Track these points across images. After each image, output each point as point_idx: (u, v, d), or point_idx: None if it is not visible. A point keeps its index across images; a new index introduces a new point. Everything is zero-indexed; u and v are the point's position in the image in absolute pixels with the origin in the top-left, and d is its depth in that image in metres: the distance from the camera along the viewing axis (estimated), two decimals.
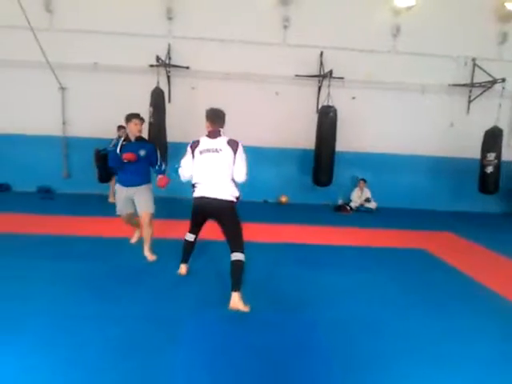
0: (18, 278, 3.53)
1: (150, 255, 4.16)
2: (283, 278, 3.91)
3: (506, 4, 7.30)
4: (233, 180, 3.23)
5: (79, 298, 3.20)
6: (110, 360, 2.41)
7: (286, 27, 7.52)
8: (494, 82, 7.50)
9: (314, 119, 7.36)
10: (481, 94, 7.85)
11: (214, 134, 3.27)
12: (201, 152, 3.22)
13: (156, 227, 4.27)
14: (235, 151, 3.17)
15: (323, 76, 7.48)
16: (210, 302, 3.23)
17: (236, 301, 3.06)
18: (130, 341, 2.63)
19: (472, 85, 7.86)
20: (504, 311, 3.47)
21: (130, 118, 4.02)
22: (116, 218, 4.37)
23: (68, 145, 7.55)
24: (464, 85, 7.88)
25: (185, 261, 3.69)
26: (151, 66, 7.16)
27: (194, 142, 3.31)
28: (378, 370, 2.47)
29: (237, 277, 3.10)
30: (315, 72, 7.62)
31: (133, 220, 4.32)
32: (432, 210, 7.93)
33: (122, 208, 4.14)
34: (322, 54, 7.56)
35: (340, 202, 7.88)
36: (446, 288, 3.92)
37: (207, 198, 3.18)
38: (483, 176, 7.32)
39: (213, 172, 3.18)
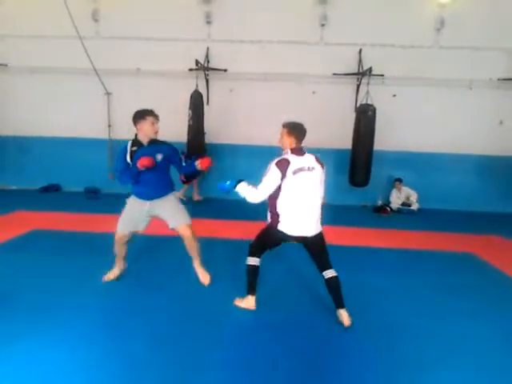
0: (68, 273, 3.75)
1: (204, 276, 3.55)
2: (318, 279, 3.86)
3: None
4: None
5: (122, 294, 3.36)
6: (149, 353, 2.50)
7: (323, 25, 7.43)
8: None
9: (351, 118, 7.22)
10: None
11: (300, 152, 2.95)
12: (294, 172, 2.80)
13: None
14: (323, 168, 2.97)
15: (362, 74, 7.31)
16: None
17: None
18: (169, 336, 2.73)
19: None
20: None
21: (144, 115, 3.26)
22: None
23: (113, 147, 7.91)
24: None
25: (255, 291, 3.17)
26: (190, 69, 7.34)
27: (281, 160, 2.85)
28: (418, 376, 2.40)
29: (339, 293, 2.98)
30: (354, 70, 7.46)
31: (126, 245, 3.49)
32: (479, 212, 7.51)
33: (128, 224, 3.33)
34: (360, 51, 7.40)
35: (379, 203, 7.66)
36: (494, 293, 3.72)
37: (305, 237, 2.91)
38: None
39: (309, 196, 2.87)
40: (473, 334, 2.94)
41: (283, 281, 3.80)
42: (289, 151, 2.94)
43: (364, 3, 7.32)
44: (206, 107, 7.25)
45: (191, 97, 6.94)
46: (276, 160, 2.85)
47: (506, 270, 4.34)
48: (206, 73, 7.56)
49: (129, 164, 3.21)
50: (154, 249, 4.54)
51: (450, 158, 7.68)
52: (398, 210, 7.40)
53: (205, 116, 7.10)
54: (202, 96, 7.11)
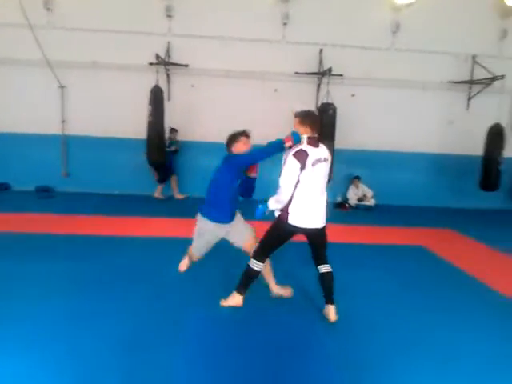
0: (17, 277, 3.54)
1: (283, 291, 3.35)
2: (283, 276, 3.90)
3: (506, 0, 7.25)
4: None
5: (79, 297, 3.22)
6: (113, 356, 2.42)
7: (285, 24, 7.49)
8: (494, 78, 7.46)
9: None
10: (481, 90, 7.82)
11: (316, 142, 2.82)
12: (313, 163, 2.71)
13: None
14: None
15: (322, 73, 7.46)
16: (212, 301, 3.23)
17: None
18: (135, 338, 2.65)
19: (472, 82, 7.84)
20: (502, 307, 3.48)
21: (239, 136, 3.23)
22: (111, 216, 4.37)
23: (67, 143, 7.55)
24: (464, 82, 7.86)
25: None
26: (150, 64, 7.13)
27: (299, 151, 2.71)
28: (374, 367, 2.49)
29: (331, 288, 2.99)
30: (315, 69, 7.60)
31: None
32: (432, 207, 7.93)
33: (205, 249, 3.25)
34: (321, 51, 7.54)
35: (338, 199, 7.87)
36: (444, 285, 3.95)
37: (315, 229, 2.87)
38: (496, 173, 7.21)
39: (321, 188, 2.83)
40: (422, 322, 3.09)
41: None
42: (305, 141, 2.77)
43: (325, 4, 7.45)
44: (166, 103, 7.09)
45: (151, 92, 6.75)
46: (293, 151, 2.73)
47: (455, 261, 4.63)
48: (167, 68, 7.39)
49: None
50: (112, 250, 4.39)
51: (405, 156, 8.03)
52: (356, 206, 7.65)
53: (166, 112, 6.94)
54: (162, 91, 6.94)
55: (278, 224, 2.89)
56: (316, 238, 2.96)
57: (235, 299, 3.08)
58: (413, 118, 7.98)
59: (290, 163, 2.70)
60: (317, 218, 2.85)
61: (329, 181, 3.00)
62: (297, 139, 2.77)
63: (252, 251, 3.06)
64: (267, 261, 3.10)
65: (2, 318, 2.79)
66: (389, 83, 7.74)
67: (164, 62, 7.21)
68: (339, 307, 3.04)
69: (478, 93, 7.87)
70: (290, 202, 2.79)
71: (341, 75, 7.47)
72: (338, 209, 7.56)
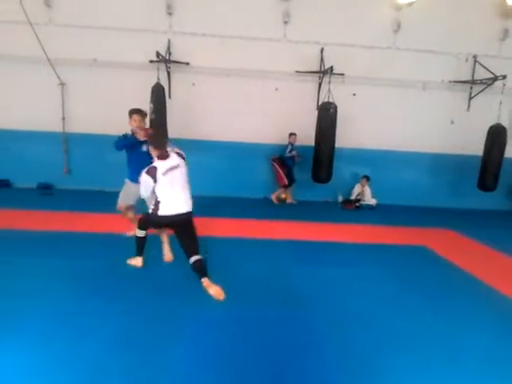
0: (16, 274, 3.54)
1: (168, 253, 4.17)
2: (283, 275, 3.92)
3: (507, 0, 7.25)
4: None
5: (78, 295, 3.22)
6: (112, 355, 2.42)
7: (286, 23, 7.47)
8: (495, 78, 7.47)
9: (314, 116, 7.34)
10: (481, 90, 7.82)
11: (164, 156, 3.49)
12: (164, 173, 3.39)
13: None
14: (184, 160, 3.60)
15: (324, 72, 7.45)
16: (210, 300, 3.24)
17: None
18: (132, 336, 2.65)
19: (473, 81, 7.84)
20: (502, 307, 3.49)
21: (131, 114, 4.20)
22: (115, 214, 4.37)
23: (68, 140, 7.53)
24: (465, 81, 7.86)
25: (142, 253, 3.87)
26: (151, 61, 7.12)
27: (150, 168, 3.43)
28: (373, 367, 2.49)
29: (204, 268, 3.41)
30: (316, 68, 7.59)
31: (130, 210, 4.45)
32: (432, 207, 7.94)
33: (124, 199, 4.31)
34: (322, 50, 7.53)
35: (340, 198, 7.86)
36: (445, 284, 3.95)
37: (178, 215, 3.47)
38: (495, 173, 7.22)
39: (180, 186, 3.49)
40: (426, 323, 3.10)
41: (246, 276, 3.80)
42: (155, 159, 3.50)
43: (327, 2, 7.44)
44: (168, 101, 7.08)
45: (152, 90, 6.74)
46: (146, 169, 3.41)
47: (457, 261, 4.63)
48: (168, 65, 7.37)
49: (127, 138, 4.15)
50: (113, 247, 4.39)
51: (406, 156, 8.04)
52: (359, 206, 7.64)
53: (167, 110, 6.93)
54: (163, 89, 6.93)
55: (151, 216, 3.55)
56: (182, 228, 3.49)
57: (137, 260, 3.84)
58: (413, 117, 7.98)
59: (143, 178, 3.40)
60: (178, 207, 3.46)
61: None
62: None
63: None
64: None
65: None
66: (390, 82, 7.74)
67: (165, 60, 7.20)
68: (342, 307, 3.05)
69: (478, 93, 7.87)
70: (156, 203, 3.45)
71: (342, 74, 7.47)
72: (343, 207, 7.58)
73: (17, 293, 3.17)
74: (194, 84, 7.57)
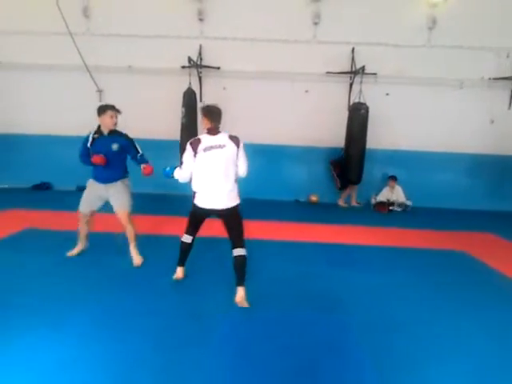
0: (60, 271, 3.72)
1: (136, 257, 3.93)
2: (314, 277, 3.88)
3: None
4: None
5: (115, 293, 3.34)
6: (142, 354, 2.49)
7: (316, 24, 7.43)
8: None
9: (344, 117, 7.25)
10: None
11: (214, 131, 3.17)
12: (205, 149, 3.09)
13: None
14: (238, 146, 3.19)
15: (355, 72, 7.34)
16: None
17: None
18: (162, 336, 2.72)
19: None
20: None
21: (105, 109, 3.69)
22: (149, 215, 4.47)
23: None
24: (505, 78, 7.48)
25: (182, 264, 3.58)
26: (183, 67, 7.29)
27: (194, 140, 3.17)
28: (409, 374, 2.42)
29: (242, 272, 3.19)
30: (347, 69, 7.49)
31: (88, 223, 4.05)
32: (471, 210, 7.59)
33: (87, 205, 3.88)
34: (353, 49, 7.42)
35: (373, 200, 7.69)
36: (485, 291, 3.77)
37: (215, 210, 3.18)
38: None
39: (218, 172, 3.12)
40: (464, 331, 2.98)
41: (277, 279, 3.80)
42: (205, 131, 3.19)
43: (357, 2, 7.33)
44: (199, 105, 7.21)
45: (184, 95, 6.90)
46: (191, 140, 3.17)
47: (498, 267, 4.40)
48: (199, 70, 7.52)
49: (89, 149, 3.77)
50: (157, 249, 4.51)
51: (442, 157, 7.76)
52: (392, 209, 7.42)
53: (198, 114, 7.06)
54: (195, 94, 7.07)
55: (192, 205, 3.29)
56: (226, 219, 3.22)
57: (176, 272, 3.55)
58: (449, 117, 7.68)
59: (186, 149, 3.14)
60: (216, 200, 3.14)
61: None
62: (166, 175, 3.40)
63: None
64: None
65: (43, 307, 2.95)
66: (424, 81, 7.50)
67: (196, 65, 7.34)
68: (376, 312, 2.98)
69: None
70: (192, 184, 3.20)
71: (374, 74, 7.33)
72: (376, 209, 7.41)
73: (56, 294, 3.33)
74: (224, 88, 7.67)
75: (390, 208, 7.38)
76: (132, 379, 2.26)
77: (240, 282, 3.17)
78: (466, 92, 7.57)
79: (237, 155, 3.16)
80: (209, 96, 7.70)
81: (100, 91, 7.72)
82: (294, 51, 7.51)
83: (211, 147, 3.07)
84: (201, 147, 3.07)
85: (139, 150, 3.95)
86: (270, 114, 7.70)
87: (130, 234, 3.94)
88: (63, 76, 7.65)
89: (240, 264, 3.17)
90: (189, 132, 6.90)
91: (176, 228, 3.97)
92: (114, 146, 3.73)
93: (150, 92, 7.58)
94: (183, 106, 6.88)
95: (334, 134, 7.52)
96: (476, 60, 7.46)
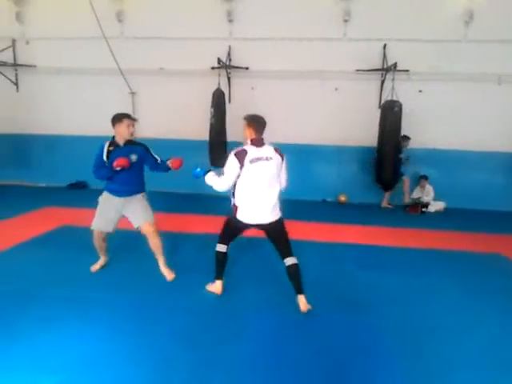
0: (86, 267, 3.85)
1: (168, 272, 3.64)
2: (345, 279, 3.83)
3: None
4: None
5: (146, 290, 3.42)
6: (176, 351, 2.55)
7: (346, 21, 7.30)
8: None
9: (376, 115, 7.08)
10: None
11: (259, 143, 3.05)
12: (251, 161, 2.94)
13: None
14: (282, 158, 3.12)
15: (386, 69, 7.16)
16: (273, 301, 3.27)
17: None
18: (196, 332, 2.76)
19: None
20: None
21: (121, 118, 3.42)
22: (181, 214, 4.54)
23: None
24: None
25: (221, 276, 3.38)
26: (213, 68, 7.37)
27: (240, 151, 2.97)
28: (442, 378, 2.35)
29: (299, 279, 3.13)
30: (377, 66, 7.31)
31: (105, 241, 3.73)
32: (507, 212, 7.22)
33: (104, 222, 3.52)
34: (385, 46, 7.23)
35: (406, 200, 7.46)
36: None
37: (260, 224, 3.09)
38: None
39: (264, 185, 3.01)
40: (500, 337, 2.85)
41: (316, 281, 3.77)
42: (248, 142, 3.04)
43: None
44: (227, 105, 7.28)
45: (213, 95, 6.98)
46: (235, 150, 2.98)
47: None
48: (228, 71, 7.58)
49: (105, 162, 3.46)
50: (180, 247, 4.60)
51: (478, 156, 7.42)
52: (424, 211, 7.17)
53: (227, 114, 7.13)
54: (224, 94, 7.14)
55: (230, 217, 3.16)
56: (270, 232, 3.13)
57: (215, 286, 3.36)
58: (487, 114, 7.32)
59: (230, 160, 2.96)
60: (262, 214, 3.03)
61: None
62: (196, 175, 3.23)
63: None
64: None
65: (77, 302, 3.07)
66: (460, 77, 7.19)
67: (225, 66, 7.41)
68: (408, 315, 2.91)
69: None
70: (234, 197, 3.06)
71: (407, 70, 7.11)
72: (408, 210, 7.20)
73: (90, 284, 3.46)
74: (253, 88, 7.69)
75: (423, 210, 7.15)
76: (164, 375, 2.32)
77: (300, 290, 3.12)
78: (504, 88, 7.19)
79: (281, 168, 3.11)
80: (237, 96, 7.76)
81: (133, 93, 7.94)
82: (324, 49, 7.42)
83: (258, 159, 2.95)
84: (247, 159, 2.92)
85: (156, 156, 3.71)
86: (299, 114, 7.64)
87: (157, 248, 3.60)
88: (97, 79, 7.93)
89: (295, 272, 3.11)
90: (218, 131, 6.99)
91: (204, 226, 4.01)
92: (133, 157, 3.42)
93: (180, 93, 7.72)
94: (212, 106, 6.96)
95: (364, 133, 7.37)
96: None
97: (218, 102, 6.99)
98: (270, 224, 3.07)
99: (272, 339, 2.73)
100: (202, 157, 7.26)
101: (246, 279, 3.71)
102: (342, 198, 7.68)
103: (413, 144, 7.24)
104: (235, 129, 7.44)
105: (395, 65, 6.90)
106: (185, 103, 7.70)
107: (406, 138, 7.10)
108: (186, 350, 2.56)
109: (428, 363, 2.50)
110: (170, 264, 3.79)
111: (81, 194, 7.82)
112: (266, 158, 2.98)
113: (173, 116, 7.74)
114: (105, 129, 7.82)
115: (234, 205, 3.07)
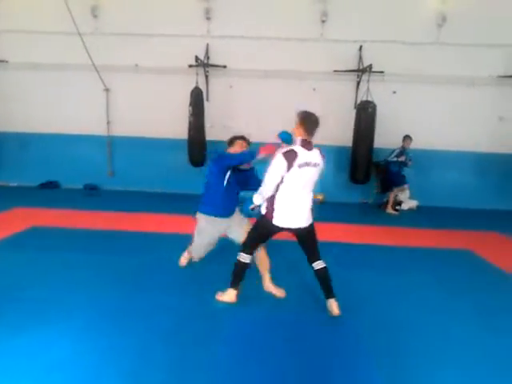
0: (66, 269, 3.75)
1: (278, 290, 3.37)
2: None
3: None
4: None
5: (123, 290, 3.36)
6: (153, 350, 2.51)
7: (323, 22, 7.38)
8: None
9: (351, 115, 7.21)
10: None
11: (310, 145, 2.85)
12: (300, 165, 2.76)
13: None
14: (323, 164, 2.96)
15: (362, 70, 7.29)
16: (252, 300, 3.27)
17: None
18: (175, 332, 2.74)
19: None
20: None
21: (233, 140, 3.42)
22: (156, 214, 4.49)
23: (112, 144, 7.88)
24: None
25: (237, 286, 3.19)
26: (190, 66, 7.29)
27: (289, 151, 2.76)
28: (419, 374, 2.41)
29: (330, 282, 3.08)
30: (354, 67, 7.43)
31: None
32: (478, 210, 7.50)
33: (204, 249, 3.46)
34: (361, 47, 7.36)
35: (385, 199, 7.61)
36: (492, 291, 3.74)
37: (297, 228, 2.96)
38: None
39: (307, 190, 2.89)
40: (471, 331, 2.95)
41: (288, 280, 3.79)
42: (298, 141, 2.84)
43: None
44: (205, 103, 7.23)
45: (191, 93, 6.91)
46: (283, 150, 2.79)
47: (503, 266, 4.37)
48: (206, 69, 7.52)
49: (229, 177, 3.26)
50: (155, 247, 4.54)
51: (450, 156, 7.67)
52: (398, 209, 7.35)
53: (205, 113, 7.08)
54: (202, 92, 7.08)
55: (263, 221, 2.98)
56: (303, 236, 3.04)
57: (229, 295, 3.17)
58: (459, 115, 7.57)
59: (277, 161, 2.76)
60: (300, 218, 2.93)
61: None
62: (284, 138, 2.90)
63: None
64: (265, 255, 3.31)
65: (50, 304, 2.98)
66: (433, 79, 7.42)
67: (203, 64, 7.35)
68: (387, 313, 2.96)
69: None
70: (273, 200, 2.87)
71: (381, 72, 7.26)
72: (383, 209, 7.35)
73: (65, 287, 3.36)
74: (231, 86, 7.67)
75: (397, 208, 7.33)
76: (140, 374, 2.28)
77: (330, 294, 3.06)
78: (476, 90, 7.46)
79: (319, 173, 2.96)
80: (216, 94, 7.71)
81: (107, 90, 7.76)
82: (301, 49, 7.48)
83: (307, 164, 2.77)
84: (297, 162, 2.73)
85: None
86: (277, 113, 7.66)
87: (266, 263, 3.35)
88: (70, 75, 7.70)
89: (325, 275, 3.05)
90: (196, 130, 6.93)
91: None
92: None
93: (156, 91, 7.61)
94: (190, 104, 6.89)
95: (340, 133, 7.48)
96: (486, 57, 7.34)
97: (197, 100, 6.93)
98: (305, 228, 2.98)
99: (247, 339, 2.72)
100: (181, 155, 7.20)
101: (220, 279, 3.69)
102: (319, 197, 7.76)
103: (385, 144, 7.38)
104: (214, 127, 7.44)
105: (370, 66, 7.03)
106: (161, 101, 7.59)
107: (408, 137, 7.10)
108: (162, 349, 2.53)
109: (405, 360, 2.56)
110: (156, 266, 3.72)
111: (52, 193, 7.59)
112: (314, 165, 2.83)
113: (148, 114, 7.62)
114: (78, 127, 7.78)
115: (269, 208, 2.90)
